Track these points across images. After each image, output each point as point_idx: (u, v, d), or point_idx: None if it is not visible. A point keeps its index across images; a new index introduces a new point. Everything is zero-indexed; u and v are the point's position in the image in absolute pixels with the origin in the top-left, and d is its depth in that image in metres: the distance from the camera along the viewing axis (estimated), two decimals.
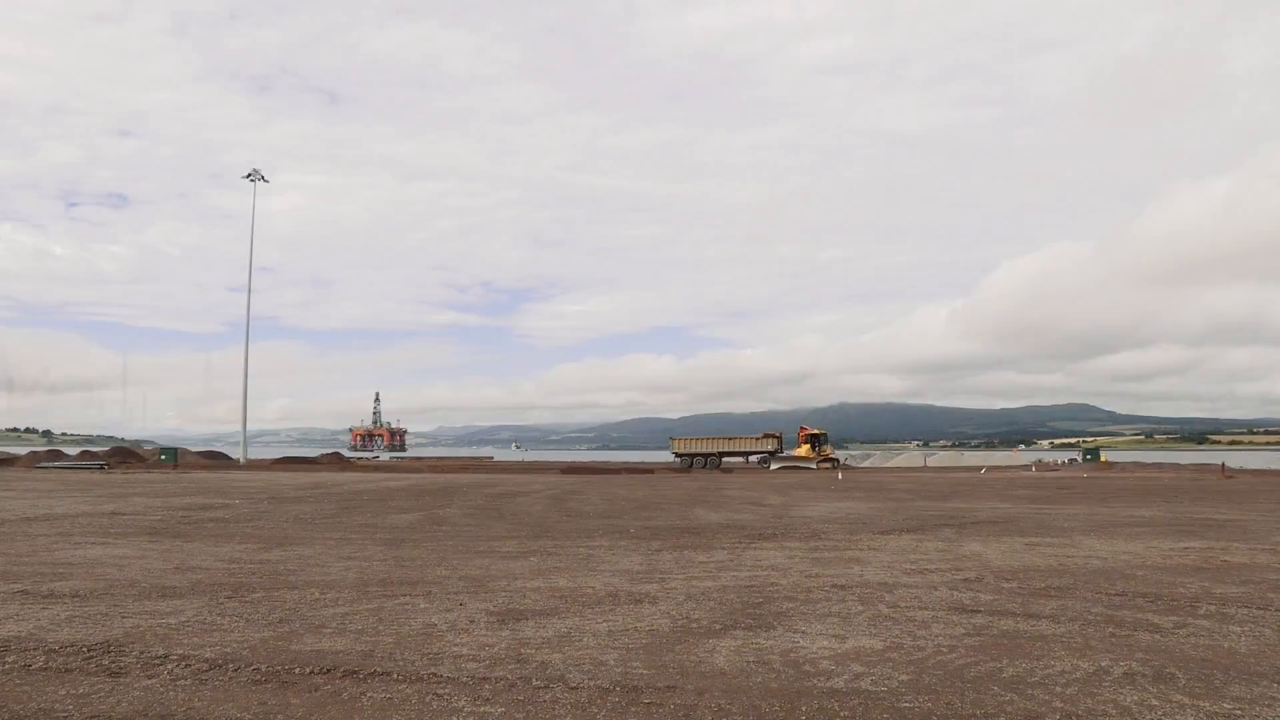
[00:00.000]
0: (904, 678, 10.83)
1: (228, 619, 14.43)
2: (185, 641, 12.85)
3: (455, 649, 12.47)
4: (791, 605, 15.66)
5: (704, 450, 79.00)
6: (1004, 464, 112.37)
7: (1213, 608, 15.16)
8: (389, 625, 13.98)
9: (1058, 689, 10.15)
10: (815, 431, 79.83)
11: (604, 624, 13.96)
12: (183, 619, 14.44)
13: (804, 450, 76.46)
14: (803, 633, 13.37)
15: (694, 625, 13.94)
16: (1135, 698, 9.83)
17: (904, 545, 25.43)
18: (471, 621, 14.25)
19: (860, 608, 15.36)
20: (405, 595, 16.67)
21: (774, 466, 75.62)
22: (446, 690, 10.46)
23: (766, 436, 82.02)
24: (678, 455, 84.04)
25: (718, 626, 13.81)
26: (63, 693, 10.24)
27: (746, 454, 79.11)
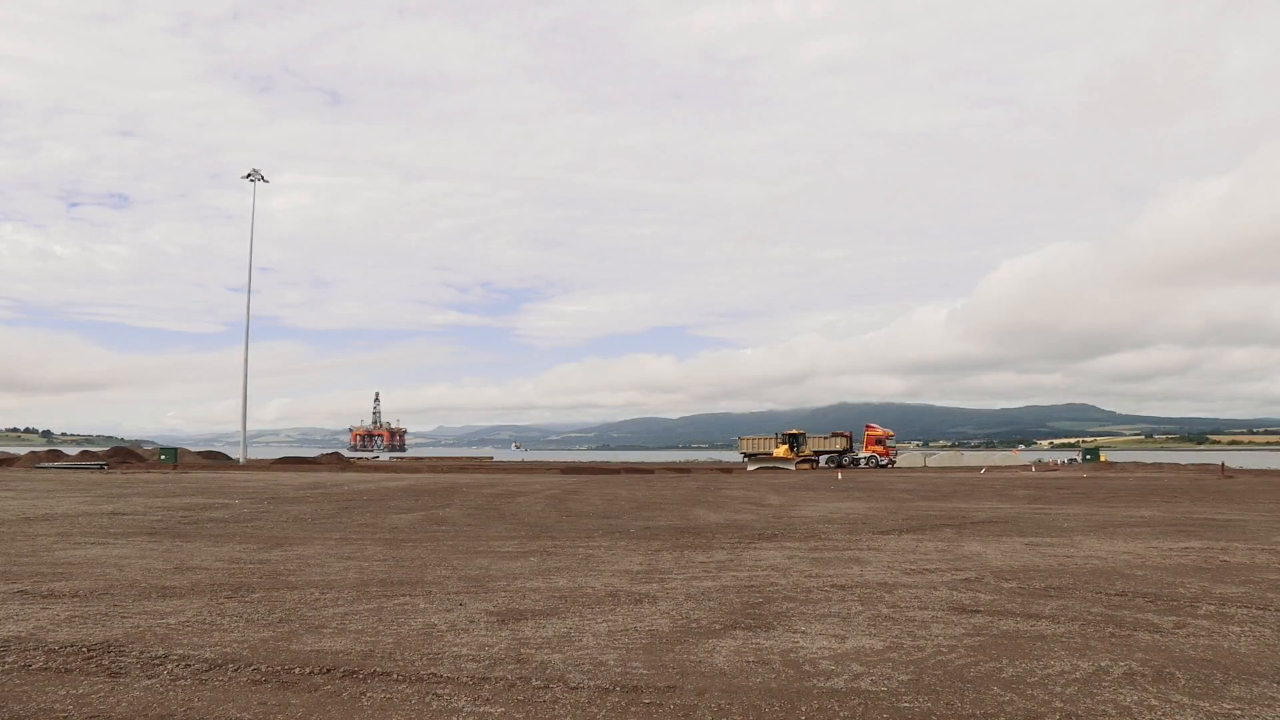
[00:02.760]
0: (904, 678, 10.84)
1: (228, 619, 14.44)
2: (185, 641, 12.86)
3: (455, 649, 12.48)
4: (791, 605, 15.67)
5: (771, 449, 78.92)
6: (1004, 464, 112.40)
7: (1213, 608, 15.18)
8: (389, 625, 13.99)
9: (1058, 689, 10.16)
10: (795, 432, 79.33)
11: (604, 624, 13.97)
12: (183, 619, 14.45)
13: (783, 450, 75.98)
14: (803, 633, 13.38)
15: (694, 625, 13.96)
16: (1135, 698, 9.84)
17: (904, 545, 25.46)
18: (471, 621, 14.26)
19: (860, 608, 15.38)
20: (405, 595, 16.69)
21: (751, 468, 75.44)
22: (446, 690, 10.46)
23: (835, 435, 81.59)
24: (745, 455, 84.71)
25: (718, 627, 13.82)
26: (62, 693, 10.24)
27: (815, 454, 78.59)
